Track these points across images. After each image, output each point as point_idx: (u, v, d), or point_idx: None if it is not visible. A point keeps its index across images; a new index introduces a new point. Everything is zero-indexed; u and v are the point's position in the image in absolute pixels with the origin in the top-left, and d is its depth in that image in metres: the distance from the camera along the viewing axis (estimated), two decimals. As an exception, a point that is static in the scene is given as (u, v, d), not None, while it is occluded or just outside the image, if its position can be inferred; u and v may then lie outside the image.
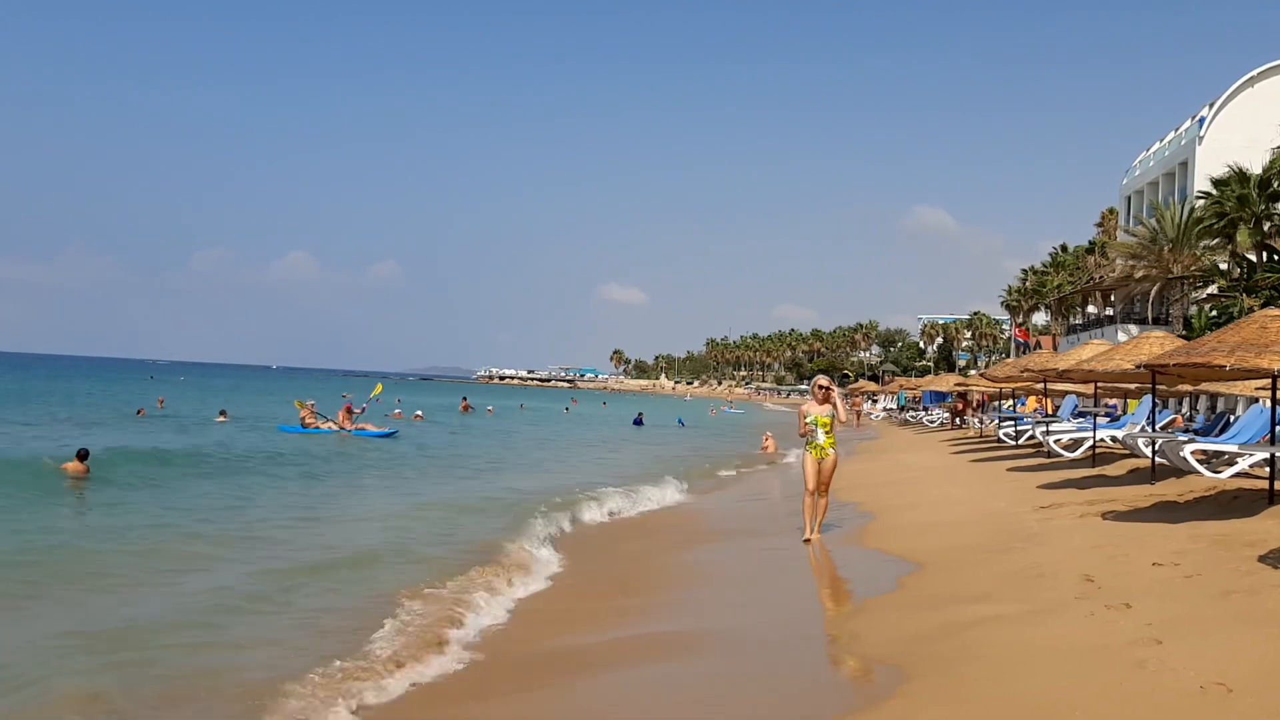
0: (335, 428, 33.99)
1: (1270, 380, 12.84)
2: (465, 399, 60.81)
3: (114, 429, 33.84)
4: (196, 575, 10.89)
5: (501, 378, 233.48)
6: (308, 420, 34.39)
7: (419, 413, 50.92)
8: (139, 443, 26.97)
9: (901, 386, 68.85)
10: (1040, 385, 27.14)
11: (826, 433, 12.60)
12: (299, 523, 15.19)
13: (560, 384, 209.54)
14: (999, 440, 29.26)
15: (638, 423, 55.27)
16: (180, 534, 13.54)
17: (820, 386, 12.79)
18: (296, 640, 8.21)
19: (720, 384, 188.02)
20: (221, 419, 40.31)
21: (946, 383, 51.54)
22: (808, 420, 12.64)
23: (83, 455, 19.44)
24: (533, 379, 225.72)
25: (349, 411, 34.88)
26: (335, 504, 17.72)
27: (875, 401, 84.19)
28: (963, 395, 46.97)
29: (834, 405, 12.66)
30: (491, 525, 14.76)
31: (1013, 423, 28.78)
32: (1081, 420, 24.26)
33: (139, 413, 43.16)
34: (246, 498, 17.89)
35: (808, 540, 12.43)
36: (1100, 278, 57.87)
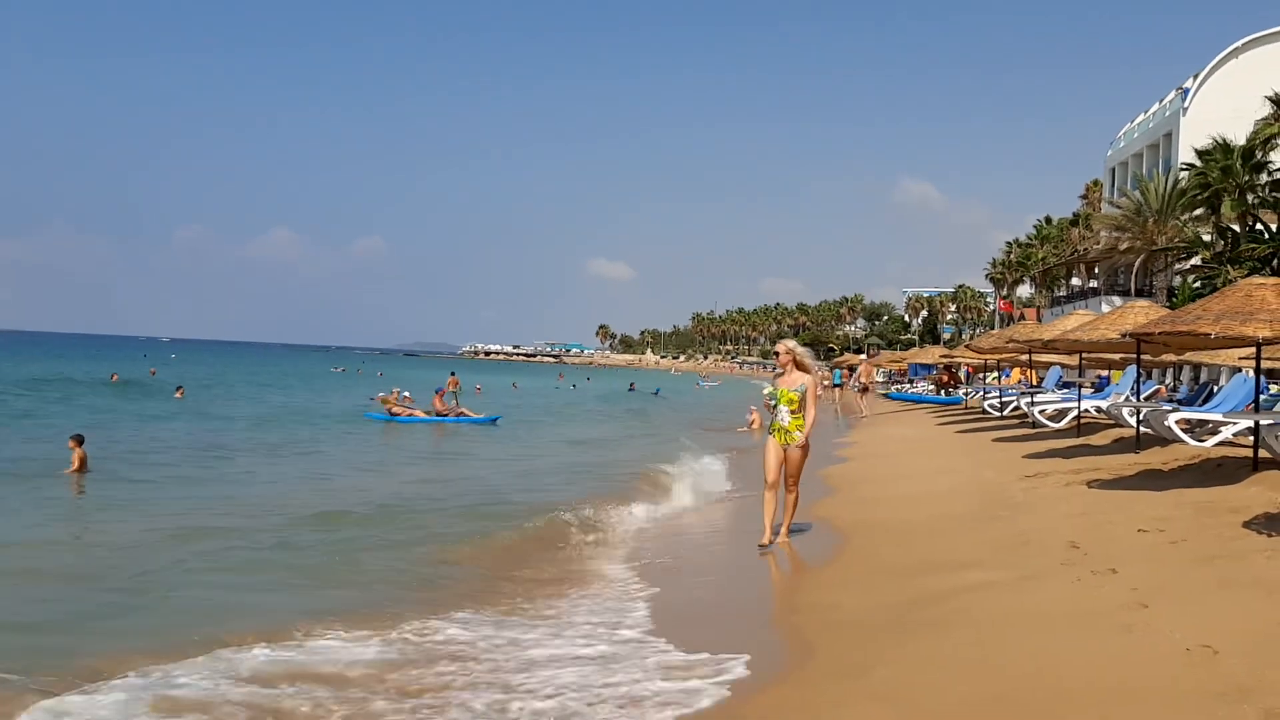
0: (424, 414, 32.43)
1: (1254, 349, 12.89)
2: (453, 374, 60.48)
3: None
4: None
5: (487, 353, 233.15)
6: (394, 408, 32.69)
7: (407, 394, 50.52)
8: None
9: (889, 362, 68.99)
10: (1025, 356, 27.21)
11: (793, 412, 10.07)
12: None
13: (546, 359, 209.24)
14: (984, 411, 29.36)
15: (630, 390, 58.33)
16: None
17: (783, 353, 10.32)
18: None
19: (706, 358, 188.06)
20: (179, 395, 40.59)
21: (931, 355, 51.66)
22: (767, 393, 10.36)
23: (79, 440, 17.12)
24: (519, 354, 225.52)
25: (443, 398, 33.72)
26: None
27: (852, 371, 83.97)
28: (948, 368, 47.08)
29: (806, 377, 10.21)
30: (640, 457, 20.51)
31: (997, 394, 28.88)
32: (1066, 391, 24.37)
33: (178, 392, 43.10)
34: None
35: (764, 545, 10.09)
36: (1084, 250, 58.00)
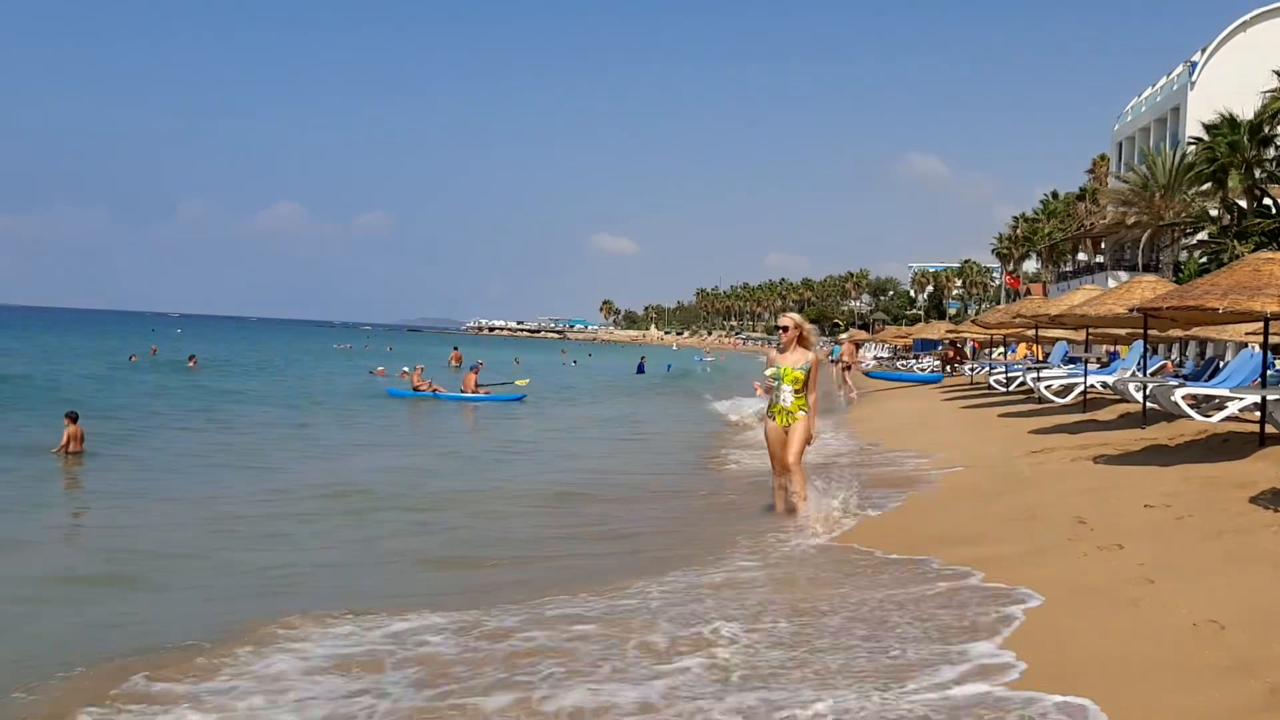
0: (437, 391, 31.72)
1: (1262, 324, 12.86)
2: (456, 349, 60.33)
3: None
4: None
5: (491, 329, 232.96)
6: (417, 383, 32.33)
7: (405, 369, 50.39)
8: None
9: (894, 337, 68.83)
10: (1032, 332, 27.17)
11: (796, 392, 9.53)
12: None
13: (550, 335, 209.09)
14: (990, 387, 29.35)
15: (640, 370, 56.53)
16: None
17: (785, 328, 9.68)
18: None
19: (710, 334, 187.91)
20: (191, 364, 40.82)
21: (937, 330, 51.56)
22: (770, 373, 9.66)
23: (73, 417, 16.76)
24: (522, 330, 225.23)
25: (477, 375, 33.33)
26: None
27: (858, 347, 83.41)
28: (953, 343, 47.02)
29: (810, 354, 9.66)
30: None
31: (1003, 370, 28.87)
32: (1072, 366, 24.34)
33: (190, 361, 43.46)
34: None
35: (791, 509, 9.67)
36: (1091, 224, 57.78)
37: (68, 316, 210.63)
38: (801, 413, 9.53)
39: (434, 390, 31.47)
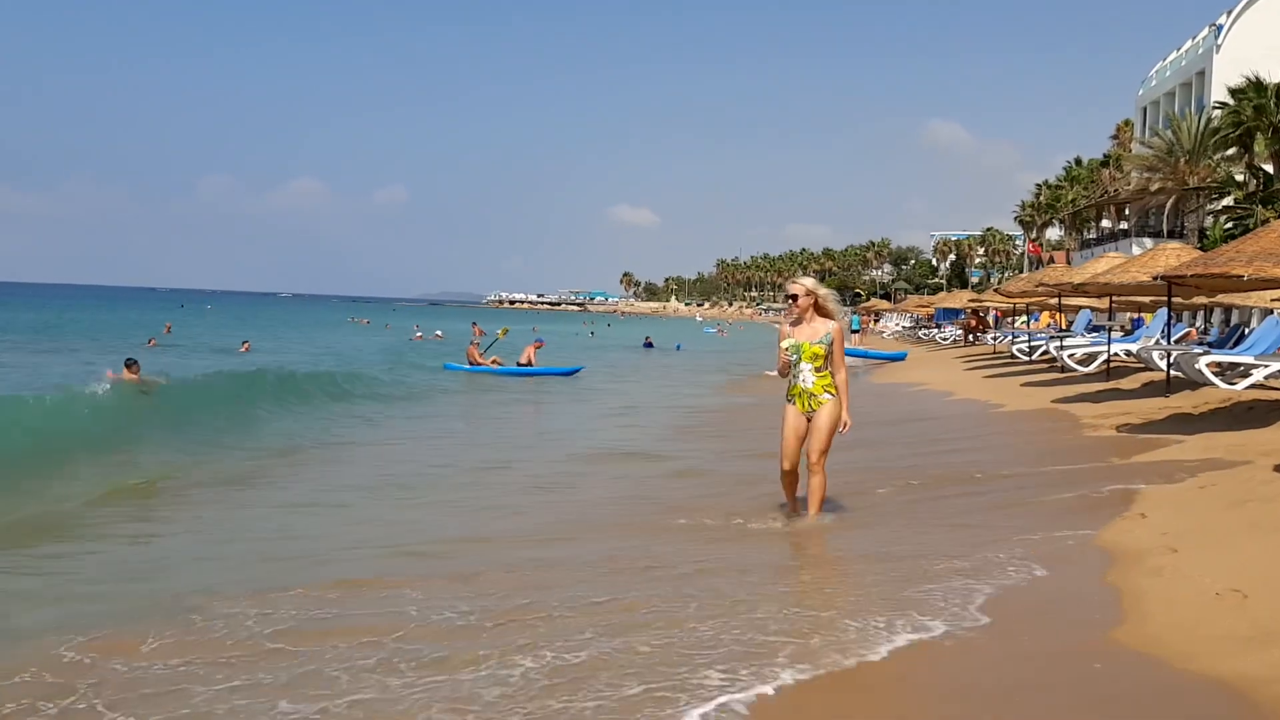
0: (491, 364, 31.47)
1: (1287, 290, 12.75)
2: (475, 324, 60.43)
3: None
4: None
5: (511, 302, 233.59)
6: (478, 359, 32.42)
7: (439, 332, 51.25)
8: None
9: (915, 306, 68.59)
10: (1055, 300, 27.01)
11: (817, 370, 7.97)
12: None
13: (570, 307, 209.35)
14: (1012, 356, 29.23)
15: (648, 345, 54.93)
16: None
17: (796, 296, 8.07)
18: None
19: (731, 305, 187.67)
20: (244, 349, 40.56)
21: (960, 299, 51.36)
22: (786, 347, 8.04)
23: (131, 364, 18.43)
24: (542, 303, 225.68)
25: (537, 351, 33.35)
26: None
27: (877, 319, 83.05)
28: (976, 312, 46.85)
29: (831, 324, 8.07)
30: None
31: (1025, 339, 28.73)
32: (1096, 334, 24.21)
33: (150, 342, 42.74)
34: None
35: (794, 509, 8.26)
36: (1115, 191, 57.33)
37: (77, 293, 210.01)
38: (827, 395, 7.93)
39: (495, 364, 31.31)
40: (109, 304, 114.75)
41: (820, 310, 8.10)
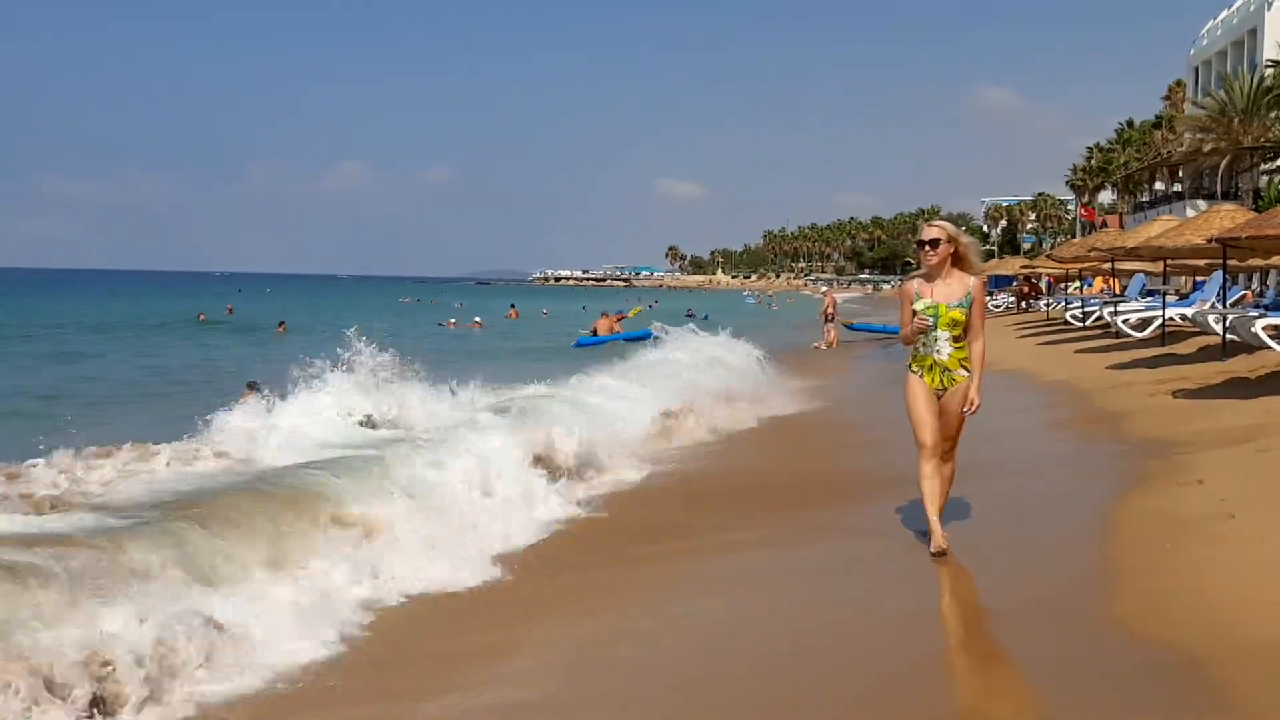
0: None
1: (1346, 251, 12.58)
2: (513, 306, 60.29)
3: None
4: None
5: (557, 279, 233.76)
6: (602, 330, 33.37)
7: (477, 319, 50.10)
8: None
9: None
10: (1108, 265, 26.72)
11: (955, 339, 6.35)
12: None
13: (616, 283, 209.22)
14: (1066, 322, 28.98)
15: (688, 316, 55.25)
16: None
17: (935, 242, 6.38)
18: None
19: (778, 277, 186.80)
20: (280, 330, 40.82)
21: (1011, 266, 50.84)
22: (920, 310, 6.37)
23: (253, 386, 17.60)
24: (588, 279, 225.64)
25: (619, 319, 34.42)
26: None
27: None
28: (1028, 279, 46.37)
29: (971, 280, 6.38)
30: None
31: (1079, 305, 28.46)
32: (1150, 299, 23.95)
33: (280, 326, 42.34)
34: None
35: (941, 552, 6.25)
36: (1168, 153, 56.39)
37: (139, 279, 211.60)
38: (963, 371, 6.37)
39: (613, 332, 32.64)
40: (168, 290, 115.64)
41: (960, 262, 6.44)
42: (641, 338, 31.26)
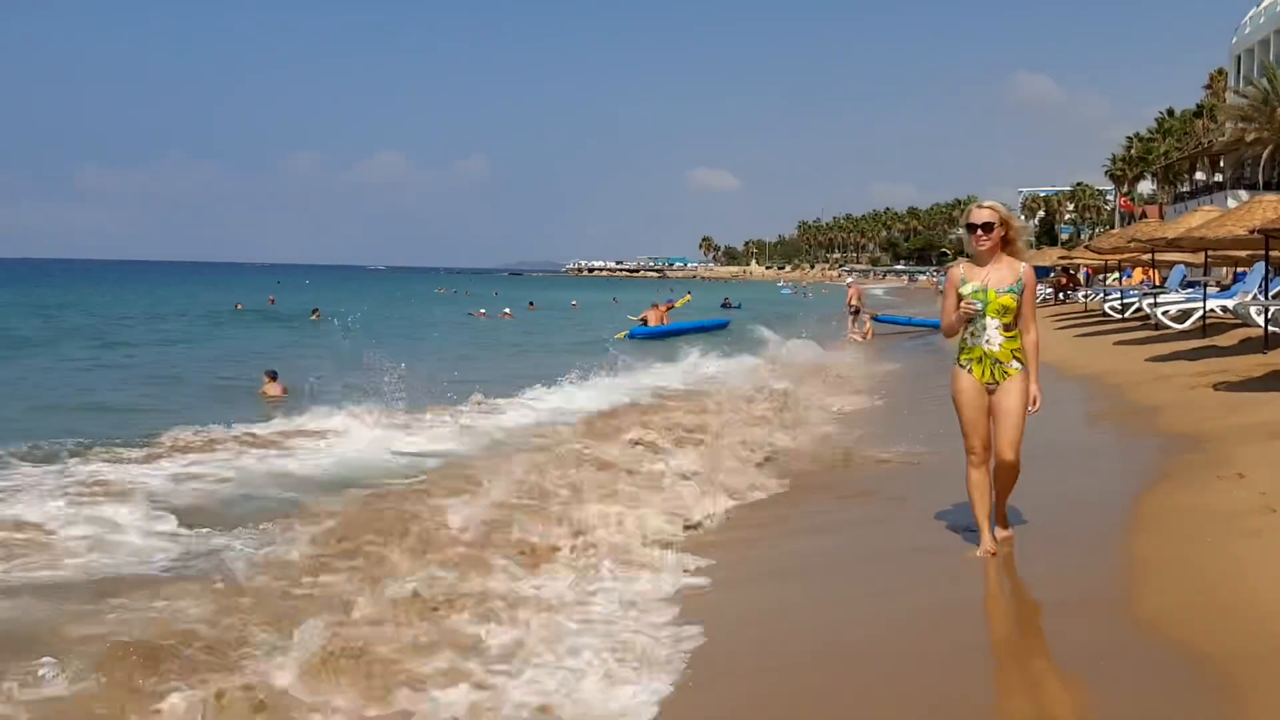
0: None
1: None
2: (531, 303, 60.26)
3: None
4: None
5: (590, 270, 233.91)
6: (652, 320, 33.66)
7: (507, 310, 50.03)
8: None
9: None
10: (1148, 256, 26.43)
11: (1006, 327, 5.93)
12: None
13: (649, 274, 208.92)
14: (1104, 314, 28.70)
15: (724, 306, 55.61)
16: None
17: (987, 227, 5.94)
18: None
19: (813, 268, 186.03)
20: (314, 317, 41.50)
21: (1049, 257, 50.40)
22: (965, 291, 5.98)
23: (273, 375, 17.82)
24: (621, 270, 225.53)
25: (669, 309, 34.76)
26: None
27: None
28: (1066, 270, 45.96)
29: (1022, 267, 5.99)
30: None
31: (1118, 296, 28.17)
32: (1190, 290, 23.67)
33: (313, 313, 43.33)
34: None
35: (992, 554, 6.04)
36: (1209, 142, 55.73)
37: (177, 269, 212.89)
38: (1016, 364, 5.95)
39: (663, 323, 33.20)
40: (209, 281, 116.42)
41: (1009, 247, 6.05)
42: (718, 326, 31.43)
